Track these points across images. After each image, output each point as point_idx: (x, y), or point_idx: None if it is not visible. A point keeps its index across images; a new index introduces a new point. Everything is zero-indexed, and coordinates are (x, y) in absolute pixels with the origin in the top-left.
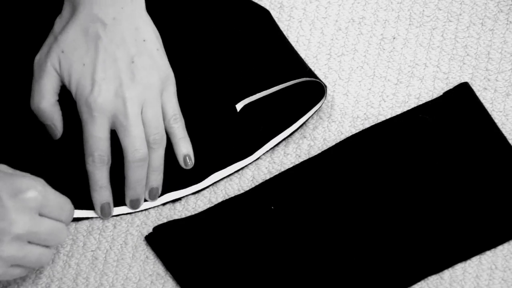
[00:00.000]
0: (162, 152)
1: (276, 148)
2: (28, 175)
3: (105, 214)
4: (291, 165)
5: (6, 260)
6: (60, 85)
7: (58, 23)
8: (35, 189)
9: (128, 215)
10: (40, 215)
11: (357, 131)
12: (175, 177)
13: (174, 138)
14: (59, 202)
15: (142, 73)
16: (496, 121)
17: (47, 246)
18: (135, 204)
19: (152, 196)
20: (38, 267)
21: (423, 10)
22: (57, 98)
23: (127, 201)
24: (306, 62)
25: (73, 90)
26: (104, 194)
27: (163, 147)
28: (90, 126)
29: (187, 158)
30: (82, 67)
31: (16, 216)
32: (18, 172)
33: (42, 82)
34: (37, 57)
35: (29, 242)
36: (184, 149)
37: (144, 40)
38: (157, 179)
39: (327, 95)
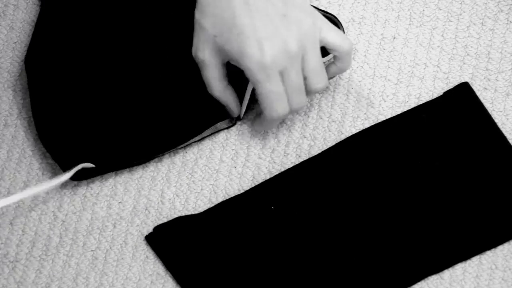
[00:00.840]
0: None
1: (276, 148)
2: None
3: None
4: (291, 165)
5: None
6: (223, 67)
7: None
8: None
9: (128, 215)
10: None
11: (357, 131)
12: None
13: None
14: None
15: (298, 25)
16: (496, 121)
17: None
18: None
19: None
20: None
21: (423, 10)
22: (225, 82)
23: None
24: None
25: (239, 57)
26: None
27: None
28: (268, 85)
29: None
30: (238, 36)
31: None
32: None
33: (206, 74)
34: (193, 51)
35: None
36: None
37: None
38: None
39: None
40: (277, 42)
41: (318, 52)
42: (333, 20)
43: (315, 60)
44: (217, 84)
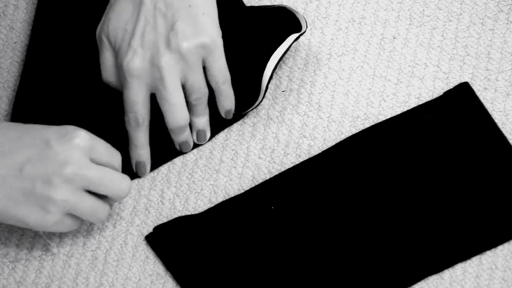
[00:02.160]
0: (205, 102)
1: (276, 148)
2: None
3: (140, 173)
4: (291, 165)
5: (59, 204)
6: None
7: None
8: (81, 133)
9: (128, 215)
10: (91, 160)
11: (357, 131)
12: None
13: (219, 96)
14: (108, 147)
15: (181, 40)
16: (496, 121)
17: (104, 199)
18: (184, 148)
19: (200, 138)
20: (95, 221)
21: (423, 10)
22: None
23: (176, 145)
24: (307, 62)
25: (117, 55)
26: (140, 153)
27: (206, 99)
28: (126, 90)
29: (229, 113)
30: (124, 32)
31: (65, 158)
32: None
33: (102, 56)
34: (97, 31)
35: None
36: (228, 106)
37: (189, 6)
38: (203, 121)
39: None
40: (148, 55)
41: (198, 69)
42: (291, 12)
43: (192, 78)
44: (113, 68)
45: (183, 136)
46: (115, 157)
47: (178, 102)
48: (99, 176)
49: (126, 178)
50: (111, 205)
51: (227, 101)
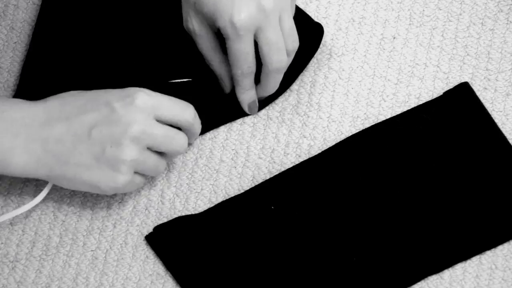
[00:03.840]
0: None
1: (276, 148)
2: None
3: (252, 111)
4: (291, 165)
5: (130, 164)
6: (215, 36)
7: None
8: (142, 93)
9: (128, 215)
10: (157, 119)
11: (357, 131)
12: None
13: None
14: (176, 103)
15: None
16: (496, 121)
17: (162, 155)
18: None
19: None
20: (155, 175)
21: (423, 10)
22: (220, 54)
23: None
24: (307, 62)
25: (214, 17)
26: (250, 94)
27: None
28: (238, 44)
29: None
30: None
31: (130, 119)
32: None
33: (199, 46)
34: (184, 25)
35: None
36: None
37: None
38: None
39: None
40: (251, 2)
41: (292, 13)
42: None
43: (290, 20)
44: (212, 54)
45: (277, 79)
46: (182, 111)
47: (281, 45)
48: (162, 134)
49: (184, 136)
50: (168, 161)
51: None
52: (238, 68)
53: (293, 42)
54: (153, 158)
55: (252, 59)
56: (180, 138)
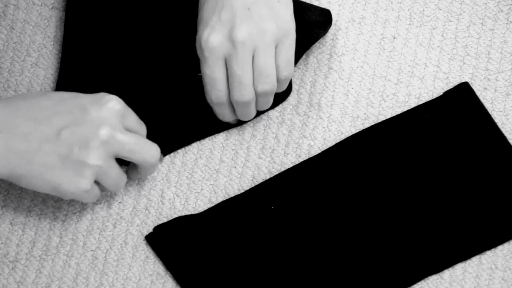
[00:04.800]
0: (271, 97)
1: (276, 148)
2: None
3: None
4: (291, 165)
5: (94, 169)
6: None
7: None
8: (115, 98)
9: (128, 215)
10: (125, 128)
11: (357, 131)
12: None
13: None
14: (137, 117)
15: (257, 19)
16: (496, 121)
17: (123, 168)
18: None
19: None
20: (114, 189)
21: (423, 10)
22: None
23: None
24: (307, 62)
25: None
26: (229, 119)
27: (272, 94)
28: (204, 67)
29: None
30: (204, 15)
31: (102, 121)
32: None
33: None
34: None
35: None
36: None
37: None
38: (267, 103)
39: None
40: (223, 29)
41: (270, 51)
42: (324, 17)
43: (265, 59)
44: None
45: (245, 112)
46: (143, 127)
47: (247, 81)
48: (132, 141)
49: (155, 145)
50: (139, 174)
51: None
52: (206, 94)
53: (264, 84)
54: (117, 170)
55: (220, 87)
56: (151, 148)
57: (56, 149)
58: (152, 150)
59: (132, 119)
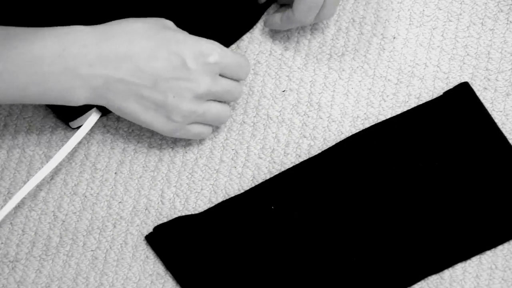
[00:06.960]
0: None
1: (276, 148)
2: (205, 39)
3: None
4: (291, 165)
5: (185, 115)
6: None
7: None
8: (216, 53)
9: (128, 215)
10: (220, 75)
11: (357, 131)
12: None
13: None
14: (238, 61)
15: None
16: (496, 121)
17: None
18: None
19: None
20: (218, 124)
21: (423, 10)
22: None
23: None
24: (307, 62)
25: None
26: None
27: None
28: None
29: None
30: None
31: (200, 77)
32: (192, 36)
33: None
34: None
35: (208, 100)
36: None
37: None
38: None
39: None
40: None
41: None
42: None
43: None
44: None
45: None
46: (243, 68)
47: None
48: (225, 89)
49: (239, 85)
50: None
51: None
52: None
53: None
54: (215, 108)
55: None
56: (238, 88)
57: (153, 95)
58: (237, 88)
59: (231, 67)
